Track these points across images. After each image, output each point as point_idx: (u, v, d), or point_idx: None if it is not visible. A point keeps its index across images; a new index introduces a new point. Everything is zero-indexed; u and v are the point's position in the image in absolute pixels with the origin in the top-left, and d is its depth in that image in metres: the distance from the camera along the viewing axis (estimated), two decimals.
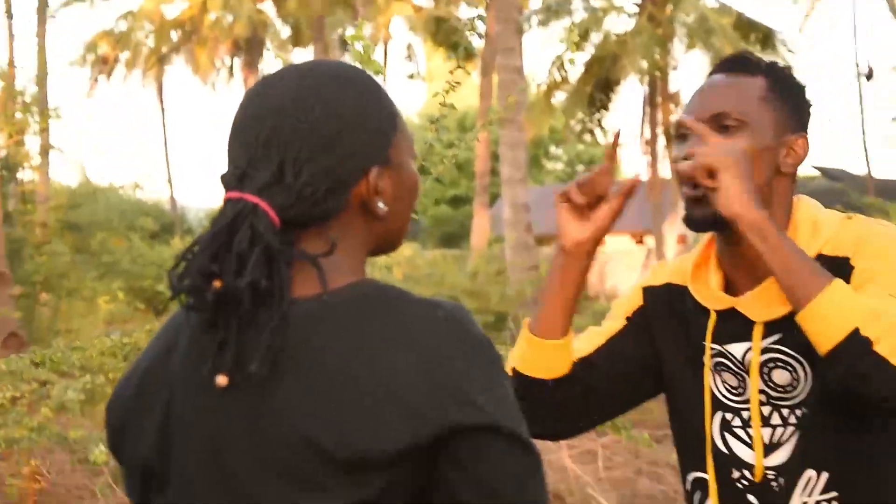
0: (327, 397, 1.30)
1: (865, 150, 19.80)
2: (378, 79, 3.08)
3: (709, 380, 2.07)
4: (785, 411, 1.99)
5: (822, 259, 1.95)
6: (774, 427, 2.00)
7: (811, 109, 2.09)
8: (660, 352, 2.16)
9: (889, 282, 1.87)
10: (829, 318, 1.78)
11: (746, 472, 2.03)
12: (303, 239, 1.39)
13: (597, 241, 2.03)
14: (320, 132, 1.39)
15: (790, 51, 25.87)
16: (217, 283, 1.31)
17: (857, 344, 1.75)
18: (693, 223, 2.01)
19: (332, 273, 1.38)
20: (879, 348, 1.74)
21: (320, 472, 1.29)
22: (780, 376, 1.98)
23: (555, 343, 2.07)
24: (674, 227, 31.42)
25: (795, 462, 1.97)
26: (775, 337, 1.98)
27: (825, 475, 1.96)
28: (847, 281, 1.89)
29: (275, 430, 1.32)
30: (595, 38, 26.64)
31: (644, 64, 24.96)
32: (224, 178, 1.40)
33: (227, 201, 1.37)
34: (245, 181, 1.38)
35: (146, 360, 1.48)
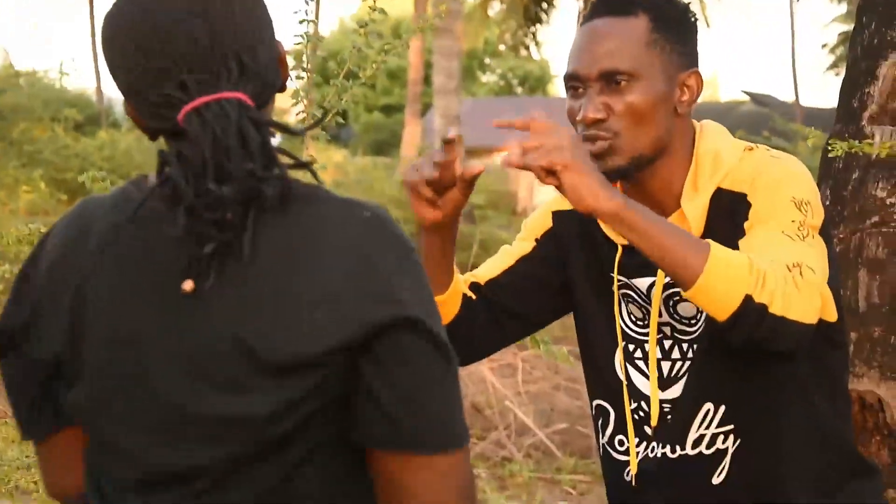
0: (258, 299, 1.30)
1: (794, 77, 19.98)
2: None
3: (617, 311, 2.09)
4: (685, 345, 2.02)
5: (722, 193, 1.96)
6: (674, 361, 2.03)
7: (696, 35, 2.05)
8: (570, 276, 2.17)
9: (780, 218, 1.88)
10: (718, 291, 1.77)
11: (643, 404, 2.06)
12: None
13: (452, 218, 1.95)
14: (256, 13, 1.38)
15: None
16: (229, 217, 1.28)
17: (752, 311, 1.76)
18: (605, 176, 1.97)
19: None
20: (774, 309, 1.76)
21: (244, 374, 1.30)
22: (686, 308, 2.00)
23: (440, 299, 2.03)
24: None
25: (691, 395, 2.00)
26: None
27: (722, 408, 1.99)
28: (745, 218, 1.91)
29: (203, 330, 1.31)
30: None
31: None
32: (163, 98, 1.34)
33: (204, 108, 1.32)
34: (205, 86, 1.33)
35: (56, 246, 1.42)
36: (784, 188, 1.92)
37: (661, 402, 2.04)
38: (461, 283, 2.14)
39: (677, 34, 2.00)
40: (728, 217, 1.95)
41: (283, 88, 1.46)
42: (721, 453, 2.00)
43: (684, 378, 2.02)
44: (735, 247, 1.87)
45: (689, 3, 2.05)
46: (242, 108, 1.32)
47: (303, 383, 1.30)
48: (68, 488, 1.51)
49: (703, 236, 1.95)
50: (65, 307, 1.37)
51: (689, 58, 2.02)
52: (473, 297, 2.15)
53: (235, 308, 1.30)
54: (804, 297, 1.79)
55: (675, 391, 2.03)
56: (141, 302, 1.34)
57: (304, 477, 1.35)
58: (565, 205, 2.16)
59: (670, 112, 1.99)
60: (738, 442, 1.99)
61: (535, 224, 2.23)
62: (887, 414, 2.89)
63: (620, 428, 2.10)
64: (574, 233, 2.15)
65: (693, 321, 2.00)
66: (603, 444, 2.14)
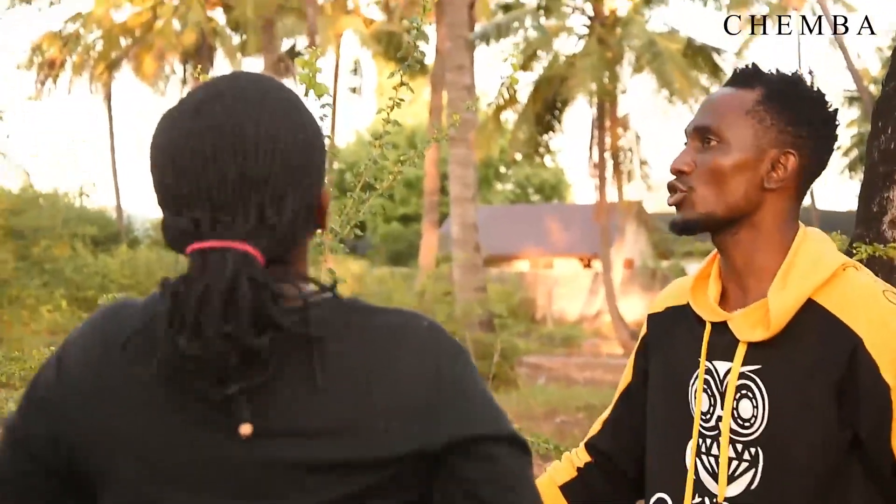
0: (328, 421, 1.32)
1: None
2: (325, 99, 3.05)
3: (699, 401, 2.04)
4: (739, 446, 1.97)
5: (812, 306, 1.94)
6: (730, 460, 1.99)
7: (820, 122, 2.03)
8: (651, 370, 2.17)
9: None
10: None
11: (707, 500, 2.02)
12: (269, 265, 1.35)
13: None
14: (293, 163, 1.35)
15: None
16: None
17: None
18: (673, 226, 2.05)
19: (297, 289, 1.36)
20: None
21: (300, 482, 1.32)
22: (745, 408, 1.97)
23: None
24: (621, 250, 31.64)
25: (752, 497, 1.96)
26: (756, 367, 1.96)
27: None
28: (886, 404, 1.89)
29: (260, 452, 1.33)
30: (544, 58, 26.81)
31: (592, 86, 25.13)
32: (181, 226, 1.33)
33: (209, 252, 1.30)
34: (219, 228, 1.31)
35: (79, 362, 1.40)
36: None
37: (726, 498, 1.99)
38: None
39: (787, 110, 2.00)
40: (819, 340, 1.92)
41: (319, 230, 1.46)
42: None
43: (743, 478, 1.97)
44: (820, 363, 1.89)
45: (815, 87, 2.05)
46: (245, 262, 1.29)
47: (367, 480, 1.33)
48: None
49: (780, 339, 1.94)
50: (96, 425, 1.36)
51: (791, 137, 2.00)
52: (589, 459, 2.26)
53: (301, 437, 1.32)
54: None
55: (735, 489, 1.98)
56: (184, 429, 1.34)
57: None
58: (657, 307, 2.19)
59: (755, 184, 1.99)
60: None
61: (637, 345, 2.26)
62: None
63: None
64: (665, 331, 2.17)
65: (748, 424, 1.96)
66: None
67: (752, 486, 1.96)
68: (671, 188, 2.03)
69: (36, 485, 1.41)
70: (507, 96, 25.93)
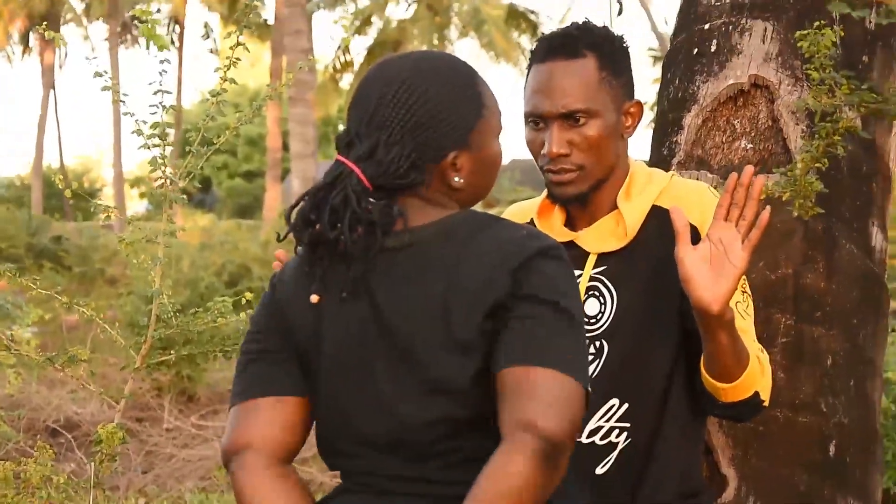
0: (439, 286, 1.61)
1: None
2: (165, 55, 3.00)
3: None
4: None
5: (656, 210, 2.11)
6: None
7: (629, 64, 2.17)
8: None
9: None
10: (741, 387, 2.00)
11: None
12: (398, 196, 1.66)
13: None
14: (410, 121, 1.65)
15: None
16: (316, 229, 1.64)
17: (754, 402, 2.03)
18: (565, 199, 2.14)
19: (428, 212, 1.68)
20: (765, 401, 2.02)
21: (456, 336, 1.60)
22: (591, 306, 2.11)
23: None
24: None
25: (600, 389, 2.07)
26: (601, 268, 2.11)
27: (626, 406, 2.07)
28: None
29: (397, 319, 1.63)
30: (378, 23, 26.67)
31: (423, 48, 25.11)
32: (337, 139, 1.70)
33: (335, 162, 1.68)
34: (350, 148, 1.67)
35: (284, 283, 1.78)
36: None
37: None
38: None
39: (619, 68, 2.12)
40: (663, 239, 2.05)
41: (455, 186, 1.71)
42: (611, 446, 2.07)
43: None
44: (666, 260, 2.00)
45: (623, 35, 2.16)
46: (350, 179, 1.64)
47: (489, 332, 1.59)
48: (240, 444, 1.71)
49: (635, 242, 2.10)
50: (307, 318, 1.71)
51: (629, 87, 2.15)
52: None
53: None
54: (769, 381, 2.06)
55: None
56: (338, 310, 1.69)
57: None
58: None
59: (618, 139, 2.12)
60: (629, 440, 2.07)
61: None
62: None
63: None
64: None
65: (593, 320, 2.10)
66: None
67: (594, 375, 2.07)
68: (556, 171, 2.10)
69: (281, 356, 1.75)
70: (343, 59, 25.72)
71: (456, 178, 1.70)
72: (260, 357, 1.76)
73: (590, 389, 1.58)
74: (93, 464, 3.13)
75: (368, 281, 1.65)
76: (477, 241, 1.62)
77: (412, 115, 1.65)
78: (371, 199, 1.64)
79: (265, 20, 28.64)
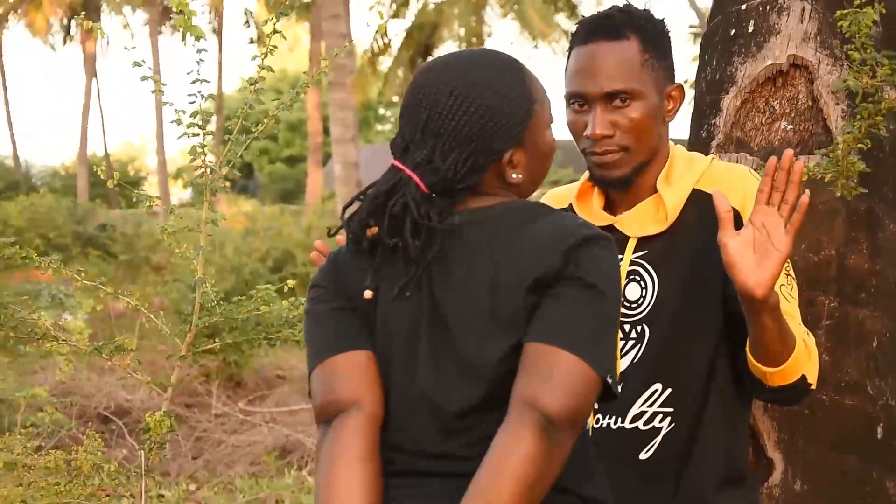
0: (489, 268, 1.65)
1: None
2: (203, 44, 3.00)
3: None
4: (626, 326, 2.09)
5: (697, 194, 2.09)
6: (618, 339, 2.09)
7: (671, 50, 2.15)
8: None
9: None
10: (787, 371, 1.98)
11: None
12: (456, 197, 1.69)
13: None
14: (463, 131, 1.67)
15: None
16: (371, 232, 1.68)
17: (802, 386, 2.01)
18: (609, 182, 2.12)
19: (486, 202, 1.71)
20: (812, 384, 2.03)
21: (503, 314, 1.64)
22: (632, 291, 2.09)
23: None
24: None
25: (642, 373, 2.06)
26: (642, 252, 2.10)
27: (669, 391, 2.06)
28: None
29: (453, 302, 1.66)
30: (415, 6, 26.60)
31: (461, 31, 25.06)
32: (393, 145, 1.73)
33: (392, 167, 1.70)
34: (407, 154, 1.69)
35: (343, 255, 1.79)
36: None
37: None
38: None
39: (661, 52, 2.11)
40: (706, 222, 2.04)
41: (513, 186, 1.74)
42: (655, 431, 2.06)
43: (628, 356, 2.08)
44: (707, 244, 1.99)
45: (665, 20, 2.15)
46: (408, 185, 1.66)
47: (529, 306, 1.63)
48: (345, 399, 1.70)
49: (675, 226, 2.08)
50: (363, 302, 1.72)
51: (671, 71, 2.13)
52: None
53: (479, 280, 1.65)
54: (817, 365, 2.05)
55: (621, 366, 2.08)
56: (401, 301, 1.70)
57: None
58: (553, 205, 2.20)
59: (661, 122, 2.11)
60: (673, 425, 2.05)
61: None
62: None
63: None
64: None
65: (634, 304, 2.09)
66: None
67: (636, 361, 2.06)
68: (600, 152, 2.07)
69: (355, 314, 1.75)
70: (381, 43, 25.69)
71: (514, 175, 1.72)
72: (335, 313, 1.75)
73: (610, 380, 1.59)
74: (143, 451, 3.16)
75: (424, 275, 1.68)
76: (534, 225, 1.65)
77: (464, 125, 1.67)
78: (430, 206, 1.66)
79: (297, 4, 28.60)
